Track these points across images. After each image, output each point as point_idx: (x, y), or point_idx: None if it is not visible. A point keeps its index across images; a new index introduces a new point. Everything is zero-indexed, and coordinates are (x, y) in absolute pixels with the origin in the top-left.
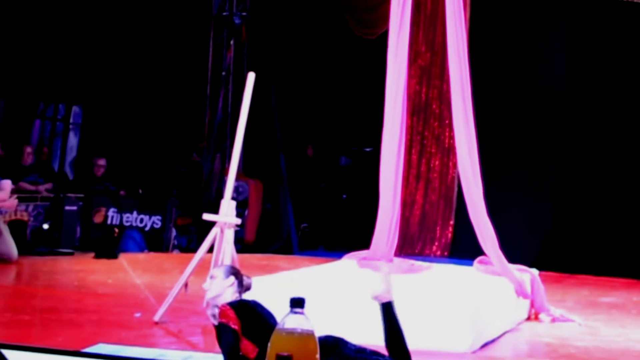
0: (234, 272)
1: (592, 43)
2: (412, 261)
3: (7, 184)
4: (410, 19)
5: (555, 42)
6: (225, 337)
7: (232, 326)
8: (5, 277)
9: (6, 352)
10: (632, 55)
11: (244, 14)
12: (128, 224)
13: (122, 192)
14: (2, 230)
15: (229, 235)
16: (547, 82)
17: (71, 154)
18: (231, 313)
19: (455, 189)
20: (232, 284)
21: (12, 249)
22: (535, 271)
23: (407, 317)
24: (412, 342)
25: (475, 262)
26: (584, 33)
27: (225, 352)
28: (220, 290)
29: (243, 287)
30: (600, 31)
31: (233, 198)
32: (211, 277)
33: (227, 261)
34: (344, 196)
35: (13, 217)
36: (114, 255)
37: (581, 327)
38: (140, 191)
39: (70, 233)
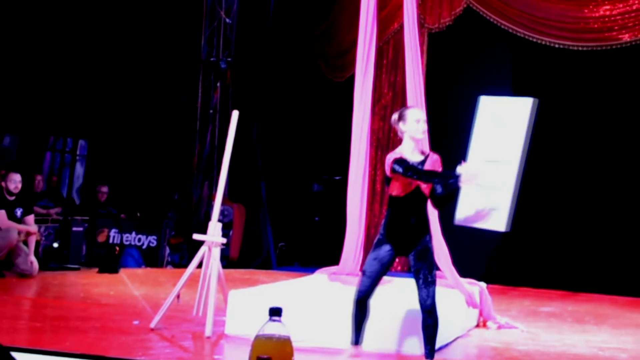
0: None
1: (534, 83)
2: None
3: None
4: (374, 65)
5: (502, 83)
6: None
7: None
8: (21, 289)
9: (20, 355)
10: (566, 92)
11: (229, 59)
12: (128, 242)
13: (122, 215)
14: (21, 247)
15: (216, 252)
16: None
17: (78, 182)
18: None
19: None
20: None
21: (27, 266)
22: (483, 284)
23: (371, 325)
24: (376, 345)
25: None
26: (527, 75)
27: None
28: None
29: None
30: (541, 72)
31: (219, 220)
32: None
33: (214, 275)
34: (317, 218)
35: (26, 237)
36: (115, 270)
37: (523, 333)
38: (139, 214)
39: (77, 251)
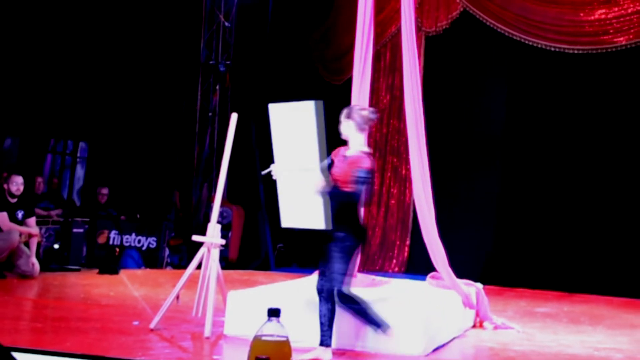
0: None
1: (530, 86)
2: (373, 276)
3: (4, 215)
4: (371, 67)
5: (497, 88)
6: None
7: None
8: (22, 290)
9: (21, 356)
10: (562, 95)
11: (228, 62)
12: (127, 244)
13: (122, 217)
14: (22, 249)
15: (215, 254)
16: (489, 122)
17: (78, 183)
18: None
19: (411, 214)
20: None
21: (28, 267)
22: (479, 285)
23: (369, 325)
24: (373, 346)
25: (428, 277)
26: (523, 78)
27: None
28: None
29: None
30: (537, 76)
31: (218, 222)
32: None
33: (213, 276)
34: None
35: (27, 239)
36: (115, 271)
37: (520, 333)
38: (138, 216)
39: (78, 252)
